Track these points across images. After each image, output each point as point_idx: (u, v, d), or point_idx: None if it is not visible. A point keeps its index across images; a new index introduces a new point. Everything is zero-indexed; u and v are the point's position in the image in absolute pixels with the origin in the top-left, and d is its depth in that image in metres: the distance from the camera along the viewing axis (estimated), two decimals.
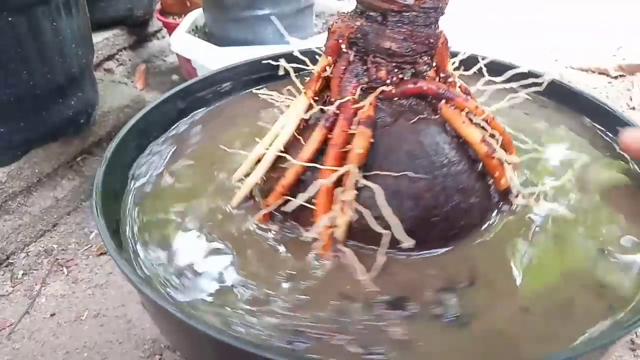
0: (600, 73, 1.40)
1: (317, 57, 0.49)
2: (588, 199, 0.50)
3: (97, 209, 0.44)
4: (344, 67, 0.45)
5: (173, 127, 0.61)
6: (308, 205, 0.44)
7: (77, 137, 0.97)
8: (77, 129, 0.96)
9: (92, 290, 0.81)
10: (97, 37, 1.28)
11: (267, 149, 0.48)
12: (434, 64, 0.47)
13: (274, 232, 0.47)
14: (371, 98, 0.44)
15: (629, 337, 0.70)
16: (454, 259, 0.44)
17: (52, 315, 0.78)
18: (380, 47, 0.44)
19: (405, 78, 0.45)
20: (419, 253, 0.44)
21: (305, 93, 0.47)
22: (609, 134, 0.58)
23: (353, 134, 0.43)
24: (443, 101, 0.46)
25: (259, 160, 0.49)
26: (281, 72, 0.53)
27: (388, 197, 0.40)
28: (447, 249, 0.45)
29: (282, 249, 0.45)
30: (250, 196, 0.49)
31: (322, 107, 0.46)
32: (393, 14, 0.43)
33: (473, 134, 0.45)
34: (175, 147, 0.58)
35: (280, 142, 0.47)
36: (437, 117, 0.46)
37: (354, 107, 0.44)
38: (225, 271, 0.44)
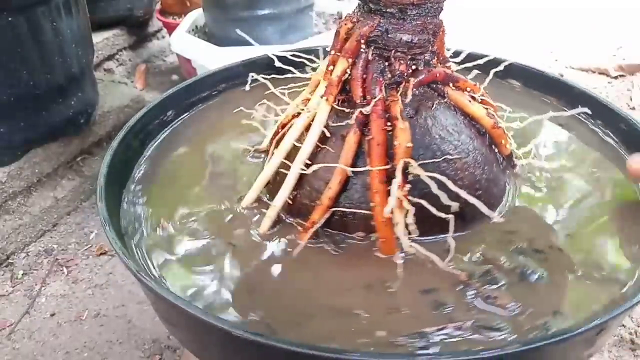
0: (600, 73, 1.40)
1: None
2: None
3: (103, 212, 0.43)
4: (363, 67, 0.45)
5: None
6: (356, 211, 0.44)
7: (77, 137, 0.97)
8: (77, 129, 0.96)
9: (92, 290, 0.81)
10: (97, 37, 1.28)
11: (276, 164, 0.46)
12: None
13: (329, 248, 0.44)
14: (410, 91, 0.45)
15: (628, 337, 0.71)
16: (502, 227, 0.46)
17: (52, 315, 0.78)
18: (402, 41, 0.45)
19: (420, 68, 0.47)
20: (471, 230, 0.46)
21: (326, 100, 0.45)
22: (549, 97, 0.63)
23: (390, 131, 0.44)
24: (450, 84, 0.48)
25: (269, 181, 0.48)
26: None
27: (439, 184, 0.42)
28: (489, 220, 0.46)
29: (342, 261, 0.44)
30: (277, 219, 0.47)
31: (341, 109, 0.45)
32: (412, 7, 0.44)
33: (479, 110, 0.48)
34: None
35: (305, 155, 0.45)
36: (445, 100, 0.48)
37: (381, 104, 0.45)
38: (299, 295, 0.41)
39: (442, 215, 0.41)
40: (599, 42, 1.55)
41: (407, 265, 0.43)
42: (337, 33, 0.46)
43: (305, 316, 0.40)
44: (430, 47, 0.46)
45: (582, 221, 0.48)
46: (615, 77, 1.38)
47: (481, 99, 0.50)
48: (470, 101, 0.48)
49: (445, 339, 0.37)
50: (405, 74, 0.46)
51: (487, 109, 0.49)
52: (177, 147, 0.58)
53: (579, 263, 0.43)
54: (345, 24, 0.46)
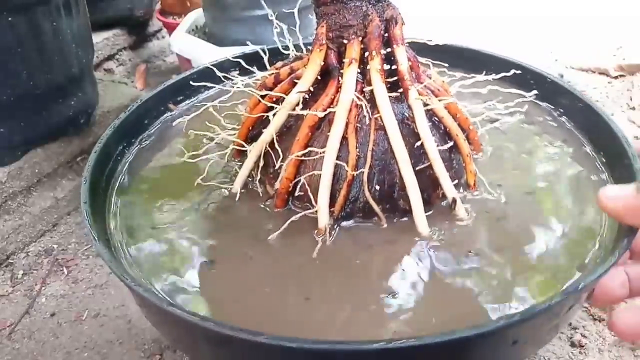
0: (600, 73, 1.40)
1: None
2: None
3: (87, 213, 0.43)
4: (406, 56, 0.47)
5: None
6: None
7: (77, 137, 0.96)
8: (77, 129, 0.96)
9: (92, 290, 0.81)
10: (97, 37, 1.28)
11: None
12: None
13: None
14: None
15: None
16: None
17: (52, 315, 0.78)
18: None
19: None
20: None
21: (417, 93, 0.46)
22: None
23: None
24: None
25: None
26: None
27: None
28: None
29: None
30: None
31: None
32: None
33: None
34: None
35: (438, 156, 0.46)
36: None
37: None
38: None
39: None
40: (599, 42, 1.55)
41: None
42: (377, 33, 0.46)
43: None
44: None
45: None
46: (615, 77, 1.37)
47: None
48: None
49: None
50: None
51: None
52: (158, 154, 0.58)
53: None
54: (373, 21, 0.46)
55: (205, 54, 1.12)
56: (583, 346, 0.69)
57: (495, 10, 1.82)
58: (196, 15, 1.29)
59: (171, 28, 1.32)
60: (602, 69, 1.40)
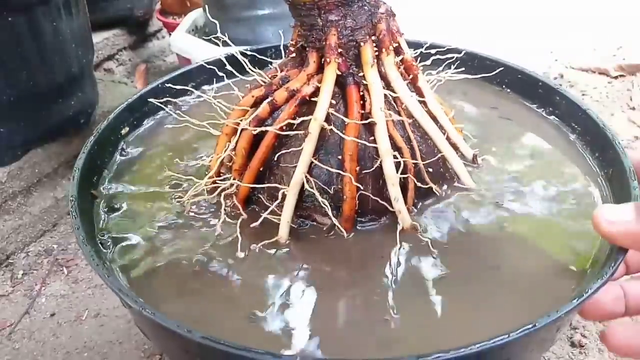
0: (600, 73, 1.40)
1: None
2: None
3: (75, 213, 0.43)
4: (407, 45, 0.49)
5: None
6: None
7: (77, 137, 0.96)
8: (77, 129, 0.96)
9: (92, 290, 0.81)
10: (97, 37, 1.28)
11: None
12: None
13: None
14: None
15: None
16: None
17: (52, 315, 0.78)
18: None
19: None
20: None
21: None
22: None
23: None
24: None
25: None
26: None
27: None
28: None
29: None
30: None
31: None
32: None
33: None
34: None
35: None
36: None
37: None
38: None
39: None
40: (599, 42, 1.55)
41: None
42: (387, 29, 0.46)
43: None
44: None
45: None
46: (615, 77, 1.37)
47: None
48: None
49: None
50: None
51: None
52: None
53: None
54: (381, 18, 0.46)
55: (205, 54, 1.12)
56: (583, 346, 0.69)
57: (495, 11, 1.82)
58: (196, 15, 1.29)
59: (171, 28, 1.32)
60: (602, 69, 1.40)
